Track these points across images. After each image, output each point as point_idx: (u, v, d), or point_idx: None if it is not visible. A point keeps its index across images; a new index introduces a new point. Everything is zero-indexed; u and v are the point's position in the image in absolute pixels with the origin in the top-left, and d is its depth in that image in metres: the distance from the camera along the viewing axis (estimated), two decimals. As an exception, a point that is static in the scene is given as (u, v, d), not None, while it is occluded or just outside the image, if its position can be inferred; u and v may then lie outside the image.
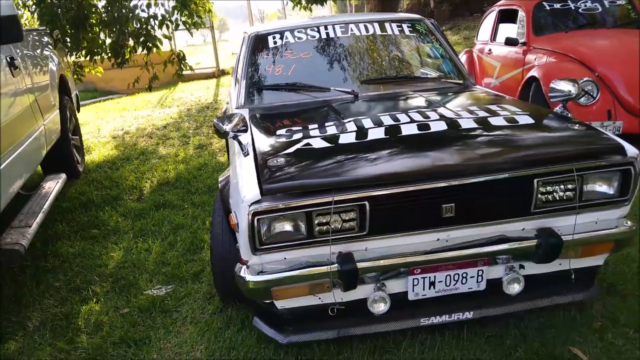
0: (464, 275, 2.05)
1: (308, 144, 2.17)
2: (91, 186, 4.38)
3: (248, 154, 2.15)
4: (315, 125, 2.40)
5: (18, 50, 3.50)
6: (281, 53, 3.21)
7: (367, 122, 2.35)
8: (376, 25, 3.30)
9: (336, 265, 1.91)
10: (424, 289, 2.05)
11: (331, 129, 2.32)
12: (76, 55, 5.26)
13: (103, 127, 7.05)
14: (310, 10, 6.91)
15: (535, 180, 1.95)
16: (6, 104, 3.01)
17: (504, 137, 2.13)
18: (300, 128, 2.39)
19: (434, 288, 2.06)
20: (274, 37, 3.26)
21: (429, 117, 2.33)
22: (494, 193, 1.96)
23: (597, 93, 4.17)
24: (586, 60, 4.47)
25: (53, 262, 3.11)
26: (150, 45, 4.68)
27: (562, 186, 2.01)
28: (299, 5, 6.56)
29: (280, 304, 2.05)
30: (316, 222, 1.90)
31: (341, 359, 2.14)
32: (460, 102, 2.69)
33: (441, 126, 2.22)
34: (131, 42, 4.54)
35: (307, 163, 2.01)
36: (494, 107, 2.46)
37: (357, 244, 1.97)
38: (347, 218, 1.92)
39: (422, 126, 2.23)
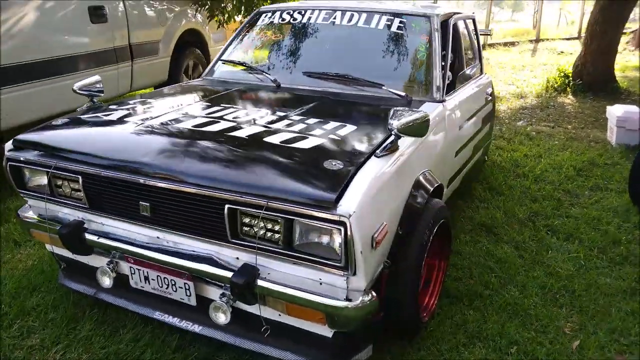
0: (173, 282, 1.96)
1: (107, 114, 2.28)
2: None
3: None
4: (166, 103, 2.49)
5: (120, 4, 4.34)
6: (261, 32, 3.24)
7: (199, 111, 2.33)
8: (364, 15, 2.99)
9: (57, 226, 2.07)
10: (141, 281, 2.03)
11: (174, 110, 2.34)
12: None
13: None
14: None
15: (226, 206, 1.71)
16: (78, 42, 3.89)
17: (235, 153, 1.87)
18: (143, 100, 2.53)
19: (149, 284, 2.02)
20: (265, 15, 3.28)
21: (243, 119, 2.19)
22: (185, 205, 1.80)
23: None
24: None
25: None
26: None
27: (264, 223, 1.70)
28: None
29: (48, 247, 2.33)
30: (54, 183, 2.08)
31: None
32: (326, 114, 2.32)
33: (219, 127, 2.07)
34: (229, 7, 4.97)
35: (71, 130, 2.18)
36: (331, 125, 2.11)
37: (95, 217, 2.08)
38: (73, 187, 2.04)
39: (205, 124, 2.13)
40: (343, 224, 1.56)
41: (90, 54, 4.03)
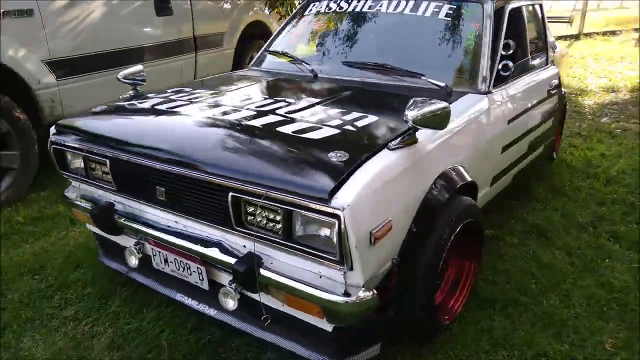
0: (187, 266, 2.01)
1: (142, 102, 2.37)
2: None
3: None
4: (203, 91, 2.54)
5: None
6: (309, 22, 3.22)
7: (227, 100, 2.36)
8: (411, 3, 2.87)
9: (91, 207, 2.20)
10: (161, 263, 2.11)
11: (205, 98, 2.39)
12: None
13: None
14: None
15: (230, 194, 1.72)
16: (144, 34, 4.11)
17: (244, 142, 1.87)
18: (181, 89, 2.58)
19: (168, 266, 2.09)
20: (314, 5, 3.26)
21: (266, 108, 2.18)
22: (194, 191, 1.83)
23: None
24: None
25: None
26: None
27: (266, 213, 1.70)
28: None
29: (87, 225, 2.48)
30: (88, 166, 2.21)
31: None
32: (352, 104, 2.26)
33: (239, 116, 2.08)
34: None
35: (106, 116, 2.29)
36: (351, 116, 2.05)
37: (123, 199, 2.18)
38: (104, 171, 2.15)
39: (227, 112, 2.15)
40: (337, 217, 1.51)
41: (155, 45, 4.23)
